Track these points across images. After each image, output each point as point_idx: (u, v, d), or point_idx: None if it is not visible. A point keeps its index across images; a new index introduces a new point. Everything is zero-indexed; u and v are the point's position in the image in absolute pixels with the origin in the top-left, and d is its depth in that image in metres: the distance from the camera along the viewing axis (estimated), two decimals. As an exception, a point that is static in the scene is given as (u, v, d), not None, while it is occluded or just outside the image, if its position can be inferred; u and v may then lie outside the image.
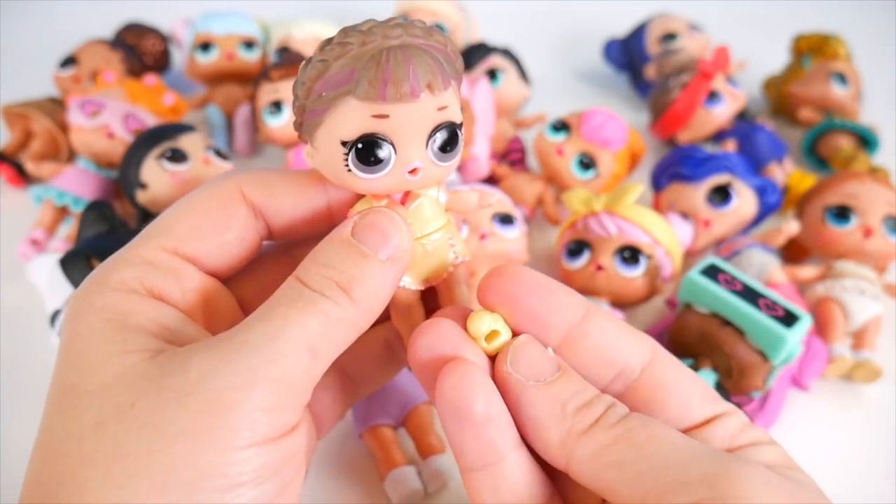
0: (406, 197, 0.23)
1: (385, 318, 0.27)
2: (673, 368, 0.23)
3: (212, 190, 0.23)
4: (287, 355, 0.19)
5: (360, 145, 0.21)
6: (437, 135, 0.21)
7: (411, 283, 0.24)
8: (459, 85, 0.23)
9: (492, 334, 0.22)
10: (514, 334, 0.23)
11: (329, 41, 0.21)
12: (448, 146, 0.22)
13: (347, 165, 0.21)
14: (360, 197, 0.24)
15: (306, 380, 0.20)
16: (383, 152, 0.21)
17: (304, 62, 0.22)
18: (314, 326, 0.20)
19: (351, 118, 0.21)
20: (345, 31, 0.21)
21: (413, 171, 0.22)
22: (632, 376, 0.22)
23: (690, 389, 0.22)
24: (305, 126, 0.22)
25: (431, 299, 0.26)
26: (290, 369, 0.19)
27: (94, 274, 0.21)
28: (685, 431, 0.22)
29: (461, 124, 0.22)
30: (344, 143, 0.21)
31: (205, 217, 0.22)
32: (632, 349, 0.23)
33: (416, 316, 0.25)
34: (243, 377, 0.19)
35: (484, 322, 0.22)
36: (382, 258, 0.21)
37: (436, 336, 0.22)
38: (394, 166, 0.21)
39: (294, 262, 0.22)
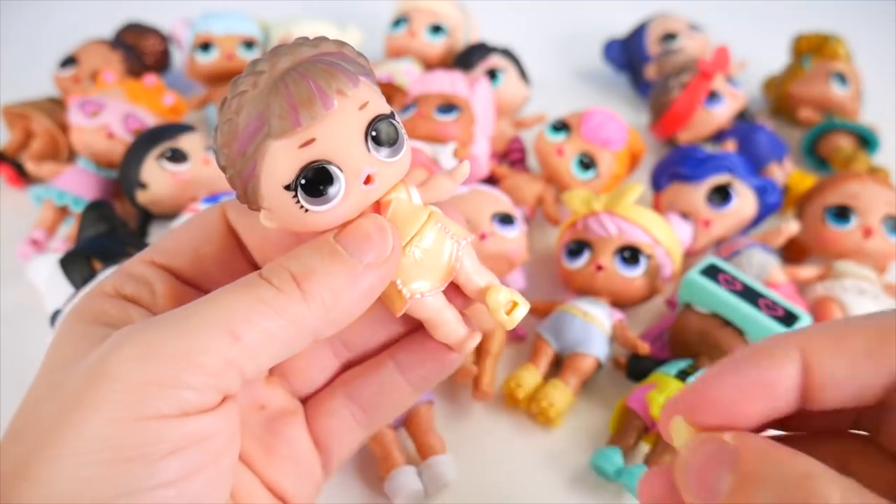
0: (378, 209, 0.22)
1: (394, 339, 0.26)
2: None
3: (200, 213, 0.24)
4: (200, 333, 0.18)
5: (303, 181, 0.20)
6: (373, 132, 0.20)
7: (426, 289, 0.23)
8: (372, 79, 0.21)
9: (511, 306, 0.23)
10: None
11: (225, 100, 0.20)
12: (390, 139, 0.21)
13: (303, 206, 0.20)
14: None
15: (221, 362, 0.18)
16: (330, 176, 0.20)
17: (213, 131, 0.20)
18: (241, 309, 0.19)
19: (281, 160, 0.19)
20: (234, 83, 0.20)
21: (368, 181, 0.20)
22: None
23: None
24: (248, 192, 0.20)
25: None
26: (201, 348, 0.18)
27: (88, 287, 0.23)
28: None
29: (392, 113, 0.21)
30: (287, 188, 0.20)
31: (185, 233, 0.24)
32: (877, 368, 0.18)
33: (448, 323, 0.24)
34: (142, 350, 0.18)
35: (502, 293, 0.23)
36: (358, 261, 0.20)
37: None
38: (347, 185, 0.20)
39: None
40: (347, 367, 0.26)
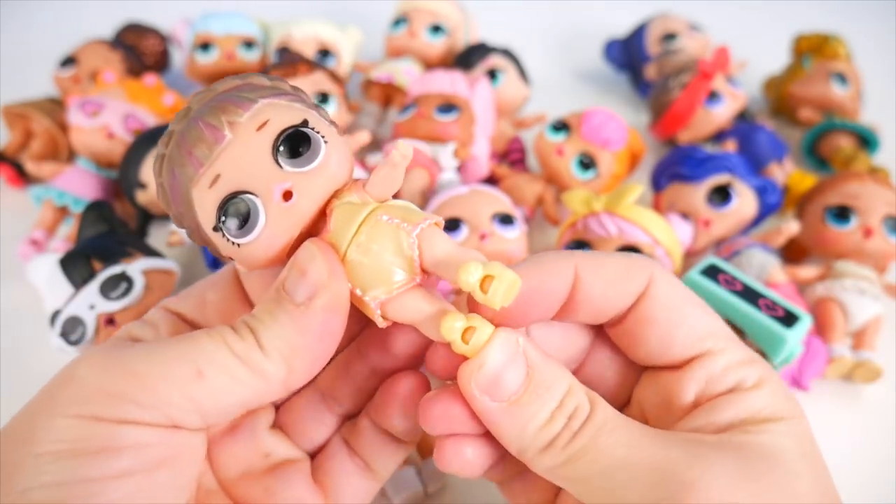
0: (325, 219, 0.21)
1: (375, 387, 0.25)
2: (663, 303, 0.23)
3: (223, 268, 0.25)
4: (165, 362, 0.19)
5: (223, 218, 0.20)
6: (280, 148, 0.20)
7: (398, 282, 0.20)
8: (291, 97, 0.21)
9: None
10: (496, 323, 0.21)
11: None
12: (299, 147, 0.20)
13: (234, 243, 0.20)
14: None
15: (180, 395, 0.19)
16: (244, 205, 0.19)
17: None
18: (209, 350, 0.19)
19: (202, 207, 0.20)
20: (158, 145, 0.21)
21: (286, 196, 0.20)
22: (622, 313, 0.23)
23: (675, 328, 0.22)
24: (216, 244, 0.21)
25: None
26: (162, 375, 0.19)
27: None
28: (667, 370, 0.23)
29: (304, 122, 0.20)
30: (216, 229, 0.20)
31: (201, 283, 0.25)
32: (622, 290, 0.23)
33: (433, 317, 0.21)
34: (106, 361, 0.19)
35: (471, 272, 0.19)
36: (298, 301, 0.20)
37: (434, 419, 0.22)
38: (265, 208, 0.19)
39: None
40: (347, 419, 0.26)
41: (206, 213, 0.20)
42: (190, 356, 0.19)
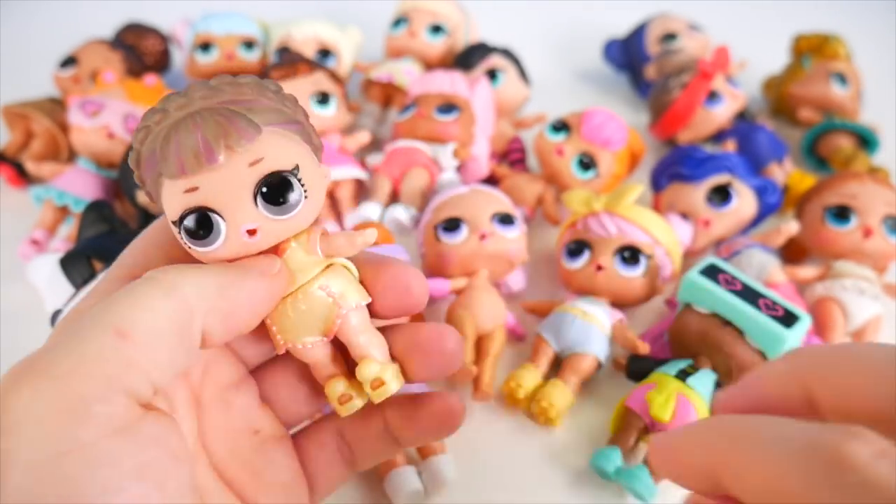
0: (276, 252, 0.22)
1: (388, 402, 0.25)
2: None
3: (158, 222, 0.24)
4: (85, 338, 0.18)
5: (185, 222, 0.20)
6: (263, 190, 0.20)
7: (299, 343, 0.23)
8: (297, 126, 0.21)
9: (375, 381, 0.23)
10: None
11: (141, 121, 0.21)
12: (279, 197, 0.20)
13: (186, 243, 0.21)
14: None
15: (119, 364, 0.17)
16: (209, 223, 0.20)
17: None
18: (121, 307, 0.18)
19: (171, 198, 0.20)
20: (147, 113, 0.21)
21: (251, 233, 0.20)
22: None
23: None
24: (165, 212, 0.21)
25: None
26: (92, 354, 0.17)
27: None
28: None
29: (295, 167, 0.21)
30: (174, 223, 0.21)
31: (153, 242, 0.24)
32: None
33: (325, 371, 0.24)
34: (35, 379, 0.17)
35: (370, 368, 0.23)
36: (246, 268, 0.21)
37: None
38: (227, 233, 0.20)
39: None
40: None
41: (169, 205, 0.20)
42: (106, 321, 0.18)
